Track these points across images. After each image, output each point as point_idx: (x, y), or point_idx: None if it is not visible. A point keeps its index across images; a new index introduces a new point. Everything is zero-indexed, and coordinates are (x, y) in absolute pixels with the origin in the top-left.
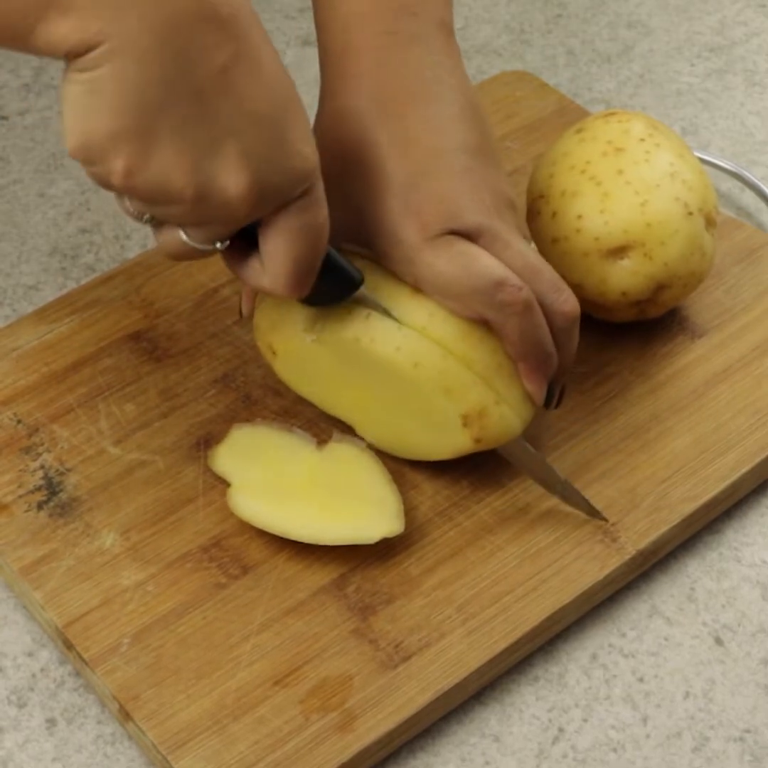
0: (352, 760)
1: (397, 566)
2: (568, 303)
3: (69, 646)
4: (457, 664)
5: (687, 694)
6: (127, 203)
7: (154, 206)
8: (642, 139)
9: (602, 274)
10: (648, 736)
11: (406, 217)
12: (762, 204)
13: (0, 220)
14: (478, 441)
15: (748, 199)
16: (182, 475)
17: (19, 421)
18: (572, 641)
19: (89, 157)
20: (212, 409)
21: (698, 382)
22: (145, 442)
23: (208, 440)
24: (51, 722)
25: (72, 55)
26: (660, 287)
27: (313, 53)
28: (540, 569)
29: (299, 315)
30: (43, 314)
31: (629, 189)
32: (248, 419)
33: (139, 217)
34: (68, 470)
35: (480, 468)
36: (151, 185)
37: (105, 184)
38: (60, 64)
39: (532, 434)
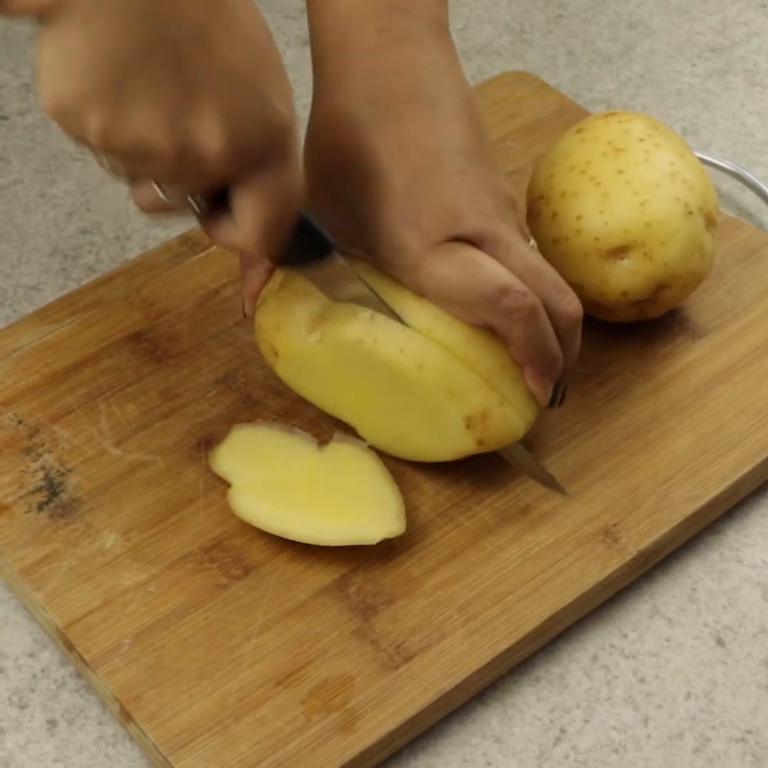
0: (353, 760)
1: (399, 567)
2: (571, 305)
3: (70, 646)
4: (459, 665)
5: (688, 695)
6: (105, 160)
7: (131, 163)
8: (642, 139)
9: (602, 274)
10: (649, 736)
11: (406, 226)
12: (762, 204)
13: (0, 220)
14: (480, 443)
15: (749, 199)
16: (183, 475)
17: (19, 422)
18: (573, 642)
19: (65, 117)
20: (213, 409)
21: (699, 383)
22: (145, 443)
23: (209, 441)
24: (52, 723)
25: (44, 15)
26: (660, 287)
27: None
28: (541, 570)
29: (303, 316)
30: (43, 315)
31: (629, 189)
32: (249, 420)
33: (115, 174)
34: (69, 471)
35: (481, 468)
36: (128, 143)
37: (82, 142)
38: None
39: (534, 434)
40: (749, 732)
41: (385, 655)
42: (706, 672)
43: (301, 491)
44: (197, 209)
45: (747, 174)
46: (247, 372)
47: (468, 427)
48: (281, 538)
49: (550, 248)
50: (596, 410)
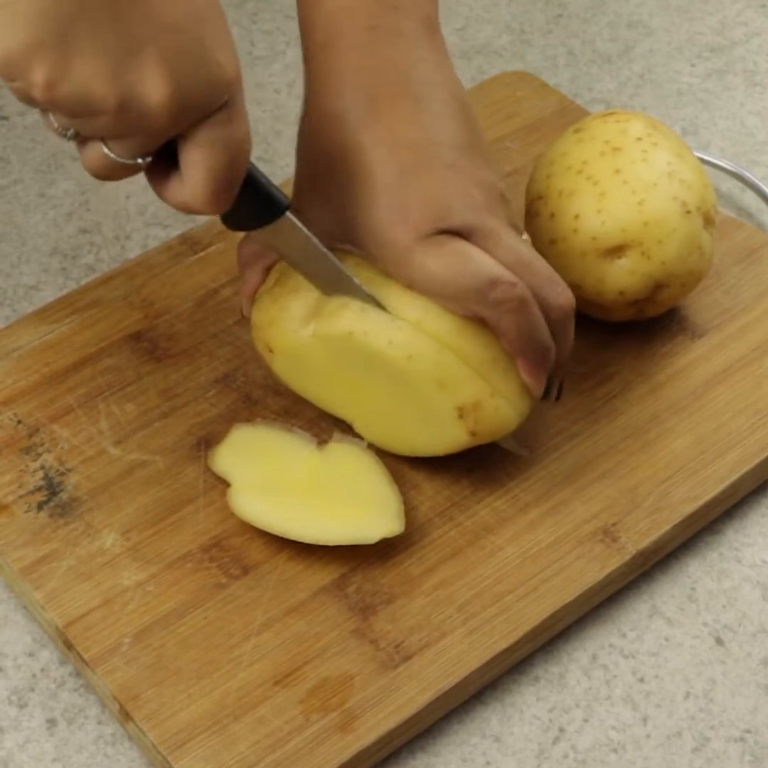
0: (352, 760)
1: (398, 566)
2: (562, 296)
3: (69, 646)
4: (458, 664)
5: (687, 695)
6: (52, 119)
7: (77, 119)
8: (639, 139)
9: (600, 273)
10: (648, 736)
11: (395, 219)
12: (762, 204)
13: (0, 220)
14: (473, 434)
15: (749, 199)
16: (183, 475)
17: (19, 422)
18: (573, 641)
19: (9, 73)
20: (213, 409)
21: (698, 383)
22: (145, 443)
23: (208, 440)
24: (51, 722)
25: None
26: (658, 286)
27: None
28: (540, 569)
29: (296, 311)
30: (43, 314)
31: (626, 188)
32: (249, 419)
33: (63, 134)
34: (68, 470)
35: (480, 467)
36: (73, 97)
37: (28, 99)
38: None
39: (532, 433)
40: (748, 731)
41: (384, 654)
42: (706, 671)
43: (301, 491)
44: (146, 169)
45: (747, 174)
46: (246, 371)
47: (460, 418)
48: (280, 538)
49: (549, 248)
50: (595, 410)
